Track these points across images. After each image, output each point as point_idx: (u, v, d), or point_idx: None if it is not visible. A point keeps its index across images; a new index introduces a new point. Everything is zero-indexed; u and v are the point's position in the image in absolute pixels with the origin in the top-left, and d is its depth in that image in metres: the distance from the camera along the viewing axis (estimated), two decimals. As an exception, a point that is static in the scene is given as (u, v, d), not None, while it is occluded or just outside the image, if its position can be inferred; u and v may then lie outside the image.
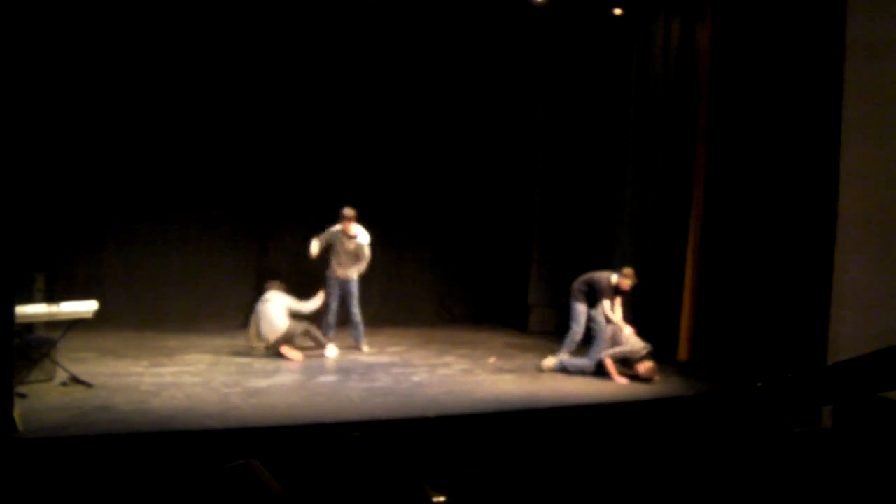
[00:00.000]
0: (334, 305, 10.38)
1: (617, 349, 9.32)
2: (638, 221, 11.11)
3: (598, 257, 11.44)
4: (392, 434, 7.00)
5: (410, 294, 12.73)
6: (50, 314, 8.04)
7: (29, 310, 7.85)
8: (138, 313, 10.88)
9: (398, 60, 12.25)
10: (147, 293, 11.10)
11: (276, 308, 9.84)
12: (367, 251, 10.47)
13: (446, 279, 12.99)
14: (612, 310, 9.70)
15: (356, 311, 10.46)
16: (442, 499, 3.81)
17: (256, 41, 11.41)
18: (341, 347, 10.30)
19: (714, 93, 10.03)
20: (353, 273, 10.39)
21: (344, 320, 10.56)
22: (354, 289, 10.42)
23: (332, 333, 10.38)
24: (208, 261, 11.47)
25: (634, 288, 9.82)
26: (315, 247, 10.25)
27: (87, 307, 8.25)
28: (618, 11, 11.24)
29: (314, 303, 10.16)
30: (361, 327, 10.52)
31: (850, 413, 6.61)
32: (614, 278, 9.72)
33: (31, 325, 8.11)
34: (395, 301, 12.59)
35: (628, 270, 9.76)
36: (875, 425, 5.94)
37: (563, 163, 12.36)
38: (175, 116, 11.10)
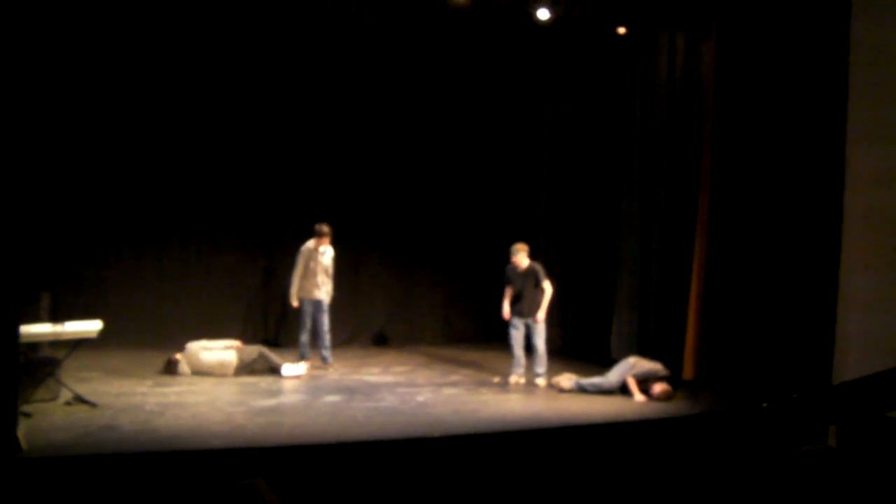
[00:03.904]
0: (309, 324, 10.23)
1: (639, 368, 9.32)
2: (643, 236, 11.08)
3: (604, 276, 11.43)
4: (397, 454, 6.99)
5: (415, 313, 12.74)
6: (55, 333, 8.03)
7: (34, 329, 7.84)
8: (143, 333, 10.88)
9: (405, 79, 12.35)
10: (152, 313, 11.13)
11: (216, 344, 9.96)
12: (332, 268, 10.36)
13: (451, 298, 12.99)
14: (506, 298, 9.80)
15: (328, 328, 10.26)
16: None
17: (263, 64, 11.55)
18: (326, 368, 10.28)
19: (719, 102, 10.00)
20: (324, 294, 10.23)
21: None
22: (326, 307, 10.28)
23: (308, 353, 10.25)
24: (213, 280, 11.51)
25: (641, 305, 9.77)
26: (296, 300, 10.18)
27: (91, 326, 8.25)
28: (622, 30, 11.29)
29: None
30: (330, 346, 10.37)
31: (855, 432, 6.58)
32: None
33: (35, 345, 8.10)
34: (400, 320, 12.60)
35: (516, 246, 9.81)
36: (881, 445, 5.92)
37: (568, 180, 12.39)
38: (180, 137, 11.17)
